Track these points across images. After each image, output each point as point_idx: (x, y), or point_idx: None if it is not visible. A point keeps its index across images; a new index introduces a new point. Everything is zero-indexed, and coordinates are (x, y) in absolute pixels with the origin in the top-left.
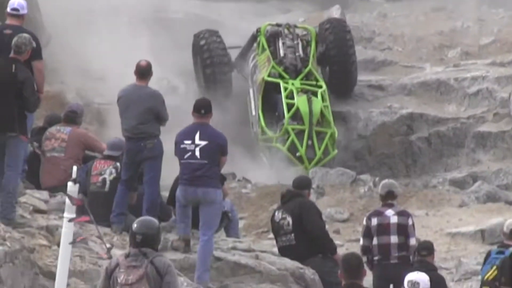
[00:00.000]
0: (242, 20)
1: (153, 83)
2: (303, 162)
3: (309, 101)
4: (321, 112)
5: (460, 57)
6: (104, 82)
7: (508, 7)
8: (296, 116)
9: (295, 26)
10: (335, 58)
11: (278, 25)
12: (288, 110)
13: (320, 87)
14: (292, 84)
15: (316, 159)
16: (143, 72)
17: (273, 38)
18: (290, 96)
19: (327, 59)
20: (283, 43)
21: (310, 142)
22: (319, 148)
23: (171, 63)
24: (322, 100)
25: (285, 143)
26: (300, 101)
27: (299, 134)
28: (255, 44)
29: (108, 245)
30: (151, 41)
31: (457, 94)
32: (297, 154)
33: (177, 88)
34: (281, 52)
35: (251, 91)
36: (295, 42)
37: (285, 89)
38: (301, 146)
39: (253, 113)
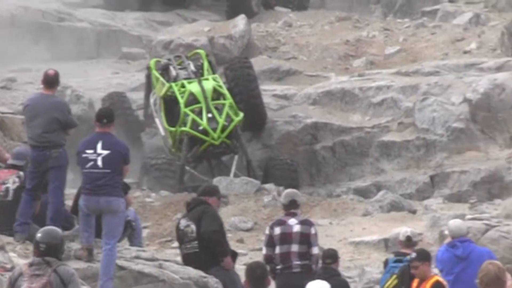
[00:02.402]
0: (147, 30)
1: (57, 92)
2: (208, 135)
3: (200, 82)
4: (216, 90)
5: (365, 67)
6: (8, 91)
7: (413, 17)
8: (192, 101)
9: (186, 56)
10: (240, 95)
11: (168, 59)
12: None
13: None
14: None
15: (219, 126)
16: (51, 81)
17: (165, 70)
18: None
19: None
20: (174, 67)
21: (210, 115)
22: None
23: (75, 71)
24: (214, 82)
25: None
26: (191, 85)
27: (199, 113)
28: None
29: None
30: (56, 49)
31: (362, 103)
32: (200, 128)
33: (81, 97)
34: (173, 73)
35: (157, 120)
36: (186, 63)
37: (176, 85)
38: (202, 120)
39: (162, 133)
